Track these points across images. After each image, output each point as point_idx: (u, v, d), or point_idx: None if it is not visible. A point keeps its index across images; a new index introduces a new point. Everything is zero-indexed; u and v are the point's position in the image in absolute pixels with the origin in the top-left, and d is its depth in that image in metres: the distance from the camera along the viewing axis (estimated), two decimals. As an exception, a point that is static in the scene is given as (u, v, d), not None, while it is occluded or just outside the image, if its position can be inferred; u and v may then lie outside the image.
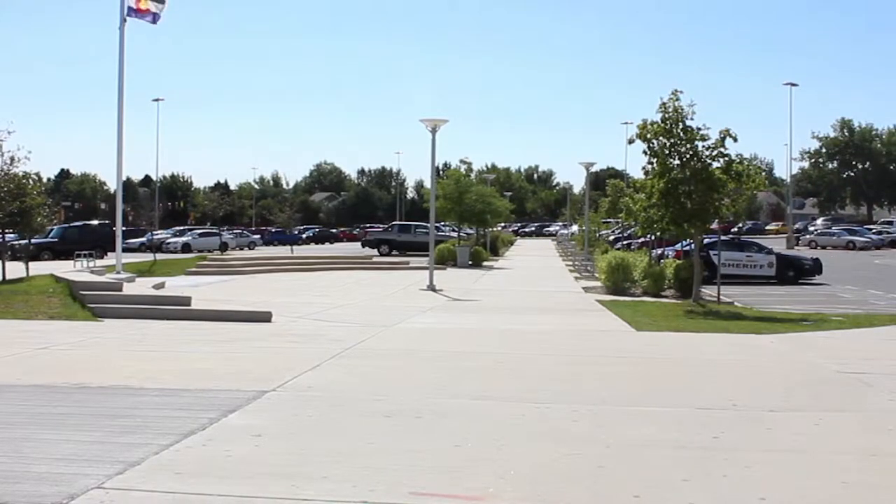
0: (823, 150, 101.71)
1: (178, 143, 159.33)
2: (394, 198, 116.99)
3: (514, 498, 4.71)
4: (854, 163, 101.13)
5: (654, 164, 17.87)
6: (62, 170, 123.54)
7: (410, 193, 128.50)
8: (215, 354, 10.14)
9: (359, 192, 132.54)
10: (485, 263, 36.20)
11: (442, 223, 45.80)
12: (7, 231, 20.56)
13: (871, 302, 20.03)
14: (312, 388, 7.89)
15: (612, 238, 50.21)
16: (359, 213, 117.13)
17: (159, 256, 36.02)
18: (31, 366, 9.10)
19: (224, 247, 50.25)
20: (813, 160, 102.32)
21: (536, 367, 9.51)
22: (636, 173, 28.88)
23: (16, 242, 29.53)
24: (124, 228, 26.50)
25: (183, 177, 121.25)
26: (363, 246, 50.89)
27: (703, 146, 17.68)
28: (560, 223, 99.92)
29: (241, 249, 53.35)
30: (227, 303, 16.52)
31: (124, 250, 23.39)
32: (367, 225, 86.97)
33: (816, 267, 27.74)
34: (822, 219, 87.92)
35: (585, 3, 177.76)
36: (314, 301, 17.98)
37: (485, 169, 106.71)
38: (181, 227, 68.26)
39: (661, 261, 24.41)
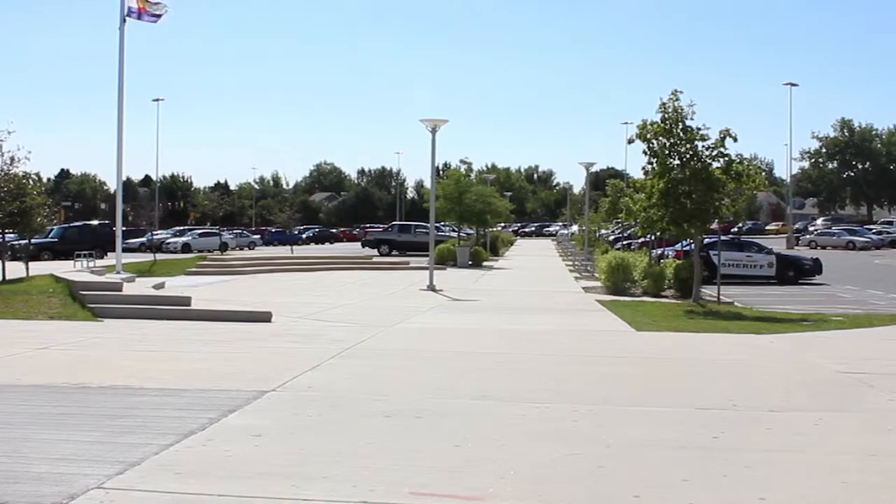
0: (823, 150, 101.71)
1: (178, 143, 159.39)
2: (394, 198, 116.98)
3: (514, 498, 4.71)
4: (854, 163, 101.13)
5: (654, 164, 17.86)
6: (62, 170, 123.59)
7: (410, 193, 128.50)
8: (215, 354, 10.14)
9: (359, 192, 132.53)
10: (485, 263, 36.20)
11: (442, 223, 45.80)
12: (7, 231, 20.55)
13: (871, 302, 20.03)
14: (312, 388, 7.89)
15: (611, 238, 50.22)
16: (359, 213, 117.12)
17: (159, 256, 36.02)
18: (31, 366, 9.10)
19: (224, 247, 50.25)
20: (813, 160, 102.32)
21: (536, 367, 9.51)
22: (636, 173, 28.88)
23: (16, 242, 29.52)
24: (124, 228, 26.47)
25: (183, 177, 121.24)
26: (363, 246, 50.90)
27: (703, 146, 17.68)
28: (560, 223, 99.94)
29: (241, 249, 53.35)
30: (227, 303, 16.52)
31: (124, 250, 23.40)
32: (367, 225, 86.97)
33: (816, 267, 27.74)
34: (822, 219, 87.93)
35: (586, 3, 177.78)
36: (314, 301, 17.99)
37: (485, 169, 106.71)
38: (181, 227, 68.25)
39: (661, 261, 24.41)
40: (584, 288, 22.98)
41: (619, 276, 21.41)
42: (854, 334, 12.95)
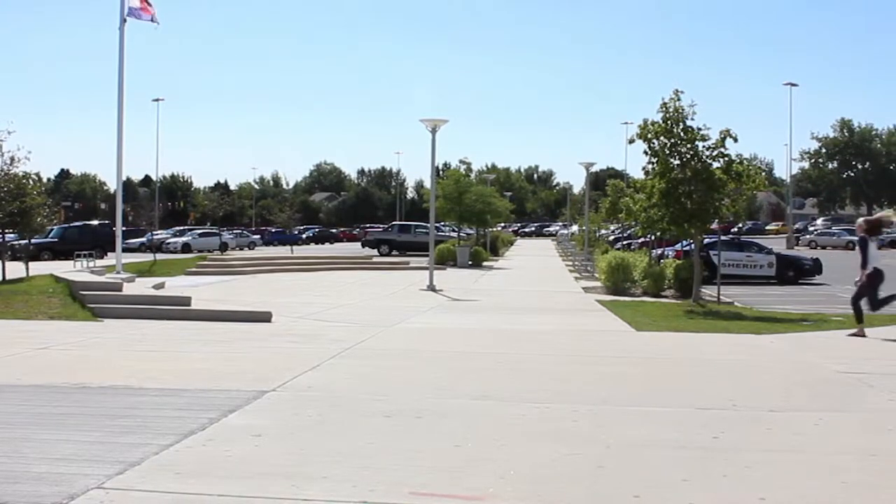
0: (823, 151, 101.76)
1: (178, 143, 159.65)
2: (394, 198, 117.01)
3: (514, 498, 4.71)
4: (854, 163, 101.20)
5: (655, 164, 17.87)
6: (62, 170, 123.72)
7: (410, 193, 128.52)
8: (215, 354, 10.14)
9: (359, 192, 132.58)
10: (485, 263, 36.21)
11: (442, 223, 45.80)
12: (7, 231, 20.55)
13: (871, 302, 19.99)
14: (312, 388, 7.89)
15: (611, 238, 50.23)
16: (359, 213, 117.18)
17: (159, 256, 36.03)
18: (31, 366, 9.10)
19: (224, 247, 50.29)
20: (813, 160, 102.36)
21: (536, 367, 9.51)
22: (636, 173, 28.90)
23: (16, 242, 29.53)
24: (124, 228, 26.48)
25: (183, 177, 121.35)
26: (363, 246, 50.93)
27: (704, 146, 17.68)
28: (560, 223, 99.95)
29: (241, 249, 53.39)
30: (227, 303, 16.53)
31: (124, 250, 23.40)
32: (367, 225, 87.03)
33: (816, 267, 27.74)
34: (822, 219, 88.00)
35: (586, 3, 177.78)
36: (314, 301, 17.99)
37: (485, 169, 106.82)
38: (181, 227, 68.30)
39: (661, 261, 24.41)
40: (584, 288, 22.99)
41: (619, 276, 21.42)
42: (854, 334, 12.91)
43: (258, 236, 69.33)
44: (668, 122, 17.61)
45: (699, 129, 17.67)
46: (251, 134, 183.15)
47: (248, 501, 4.60)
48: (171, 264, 29.63)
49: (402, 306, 17.15)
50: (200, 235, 55.48)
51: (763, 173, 20.25)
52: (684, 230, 18.37)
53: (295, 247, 52.49)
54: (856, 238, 13.45)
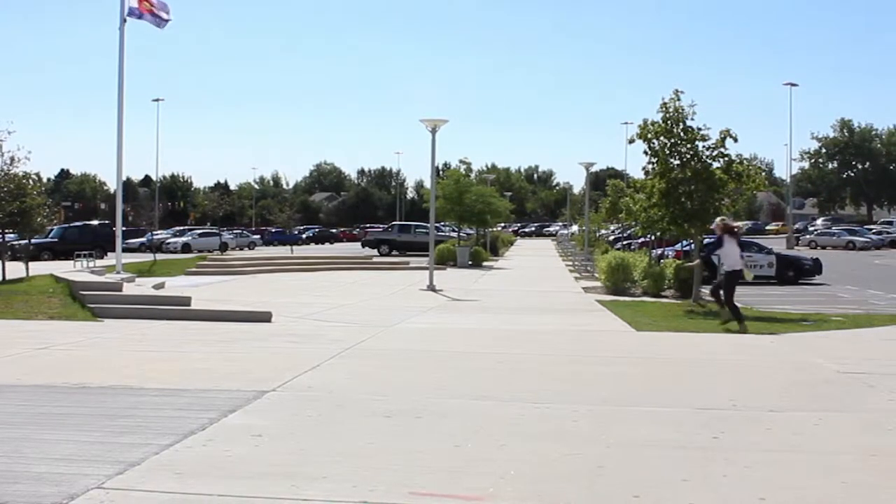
0: (823, 151, 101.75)
1: (178, 143, 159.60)
2: (394, 198, 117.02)
3: (514, 498, 4.71)
4: (854, 163, 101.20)
5: (655, 164, 17.86)
6: (62, 170, 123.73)
7: (410, 193, 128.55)
8: (215, 354, 10.14)
9: (359, 192, 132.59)
10: (485, 264, 36.21)
11: (442, 223, 45.81)
12: (7, 231, 20.55)
13: (871, 302, 20.03)
14: (312, 389, 7.89)
15: (611, 238, 50.24)
16: (359, 213, 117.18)
17: (159, 256, 36.04)
18: (31, 366, 9.10)
19: (224, 247, 50.29)
20: (813, 160, 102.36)
21: (536, 367, 9.51)
22: (636, 173, 28.89)
23: (16, 242, 29.53)
24: (124, 228, 26.49)
25: (183, 177, 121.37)
26: (363, 246, 50.90)
27: (704, 146, 17.68)
28: (560, 223, 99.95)
29: (241, 249, 53.37)
30: (227, 303, 16.52)
31: (124, 250, 23.40)
32: (367, 225, 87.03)
33: (816, 267, 27.73)
34: (822, 219, 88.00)
35: (586, 3, 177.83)
36: (314, 301, 17.98)
37: (485, 169, 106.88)
38: (181, 227, 68.32)
39: (661, 261, 24.41)
40: (584, 288, 22.98)
41: (619, 276, 21.41)
42: (854, 334, 12.94)
43: (258, 236, 69.31)
44: (668, 122, 17.61)
45: (699, 129, 17.68)
46: (251, 134, 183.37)
47: (248, 501, 4.60)
48: (171, 264, 29.63)
49: (402, 306, 17.15)
50: (200, 235, 55.48)
51: (763, 173, 20.25)
52: (684, 230, 18.37)
53: (295, 247, 52.50)
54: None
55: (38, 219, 19.90)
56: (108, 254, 29.34)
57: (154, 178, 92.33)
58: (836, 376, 8.93)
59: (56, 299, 15.18)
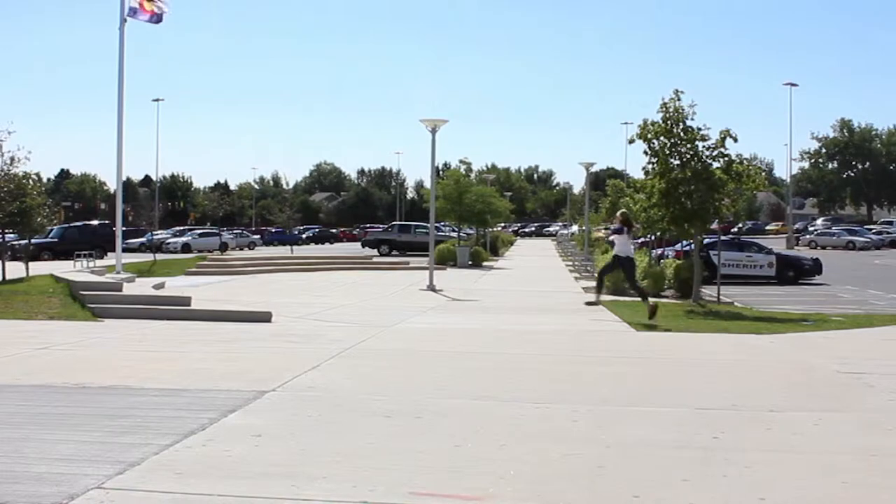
0: (823, 151, 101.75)
1: (178, 143, 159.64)
2: (394, 198, 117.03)
3: (514, 498, 4.71)
4: (854, 163, 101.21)
5: (655, 164, 17.86)
6: (62, 170, 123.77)
7: (410, 193, 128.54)
8: (215, 354, 10.13)
9: (359, 192, 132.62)
10: (485, 264, 36.21)
11: (442, 223, 45.80)
12: (7, 231, 20.55)
13: (871, 302, 20.03)
14: (312, 389, 7.89)
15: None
16: (359, 213, 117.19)
17: (159, 256, 36.04)
18: (31, 366, 9.09)
19: (224, 247, 50.29)
20: (813, 160, 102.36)
21: (536, 367, 9.51)
22: (636, 173, 28.89)
23: (16, 242, 29.54)
24: (124, 228, 26.50)
25: (183, 177, 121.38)
26: (363, 246, 50.91)
27: (704, 146, 17.67)
28: (560, 223, 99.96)
29: (241, 249, 53.39)
30: (227, 303, 16.52)
31: (124, 250, 23.40)
32: (367, 225, 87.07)
33: (816, 267, 27.74)
34: (822, 219, 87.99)
35: (586, 2, 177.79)
36: (314, 301, 17.98)
37: (485, 169, 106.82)
38: (181, 228, 68.37)
39: (661, 261, 24.41)
40: (584, 288, 22.97)
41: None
42: (854, 334, 12.94)
43: (258, 236, 69.34)
44: (668, 122, 17.60)
45: (699, 129, 17.67)
46: (251, 134, 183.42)
47: (248, 501, 4.60)
48: (171, 264, 29.63)
49: (402, 306, 17.15)
50: (200, 235, 55.50)
51: (763, 173, 20.24)
52: (684, 230, 18.36)
53: (295, 247, 52.51)
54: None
55: (38, 219, 19.90)
56: (108, 254, 29.34)
57: (154, 178, 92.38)
58: (836, 376, 8.93)
59: (56, 299, 15.17)
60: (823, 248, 55.41)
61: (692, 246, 20.24)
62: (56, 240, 37.11)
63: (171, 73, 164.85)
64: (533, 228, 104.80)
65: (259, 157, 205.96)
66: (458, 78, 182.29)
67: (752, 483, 5.00)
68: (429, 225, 27.31)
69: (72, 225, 43.64)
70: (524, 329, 13.30)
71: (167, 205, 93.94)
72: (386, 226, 61.12)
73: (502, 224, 67.30)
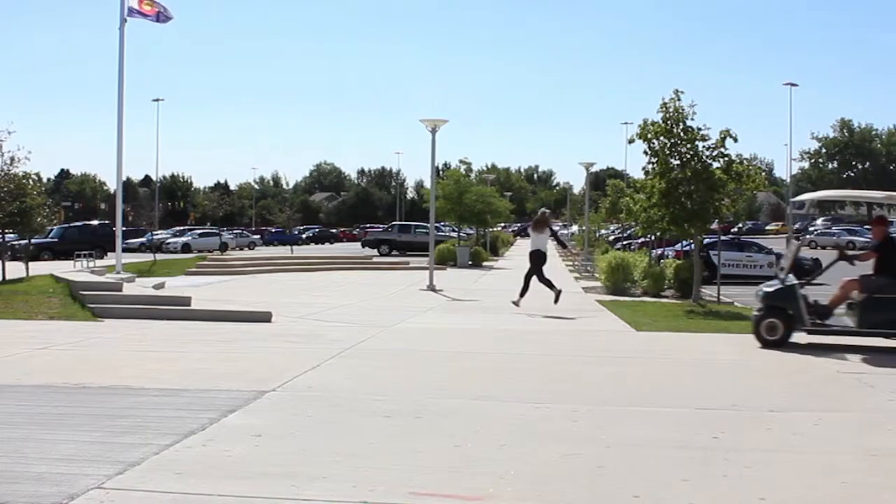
0: (823, 151, 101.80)
1: (178, 143, 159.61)
2: (394, 198, 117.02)
3: (514, 498, 4.71)
4: (854, 163, 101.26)
5: (655, 164, 17.85)
6: (62, 170, 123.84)
7: (410, 193, 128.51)
8: (215, 354, 10.13)
9: (359, 192, 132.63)
10: (485, 264, 36.21)
11: (442, 223, 45.80)
12: (7, 231, 20.55)
13: (871, 302, 19.99)
14: (312, 389, 7.89)
15: (612, 238, 50.23)
16: (359, 213, 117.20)
17: (159, 256, 36.03)
18: (31, 366, 9.10)
19: (224, 247, 50.27)
20: (813, 160, 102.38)
21: (536, 367, 9.51)
22: (636, 173, 28.88)
23: (16, 242, 29.53)
24: (124, 228, 26.50)
25: (183, 177, 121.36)
26: (363, 246, 50.90)
27: (704, 146, 17.66)
28: (560, 223, 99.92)
29: (241, 249, 53.37)
30: (227, 303, 16.52)
31: (124, 250, 23.39)
32: (367, 225, 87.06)
33: (816, 267, 27.71)
34: (822, 219, 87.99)
35: (585, 3, 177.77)
36: (314, 301, 17.98)
37: (485, 169, 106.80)
38: (181, 228, 68.38)
39: (661, 261, 24.40)
40: (584, 288, 22.98)
41: (619, 276, 21.40)
42: (854, 334, 12.91)
43: (258, 236, 69.32)
44: (668, 122, 17.59)
45: (699, 129, 17.65)
46: (251, 134, 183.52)
47: (248, 501, 4.60)
48: (171, 264, 29.62)
49: (402, 306, 17.15)
50: (200, 235, 55.49)
51: (763, 173, 20.23)
52: (684, 230, 18.36)
53: (295, 247, 52.53)
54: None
55: (38, 219, 19.88)
56: (108, 254, 29.32)
57: (154, 178, 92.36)
58: (836, 376, 8.94)
59: (56, 299, 15.17)
60: (823, 248, 55.39)
61: (692, 246, 20.24)
62: (56, 240, 37.11)
63: (171, 73, 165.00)
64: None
65: (259, 157, 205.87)
66: (458, 78, 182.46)
67: (752, 483, 5.00)
68: (429, 225, 27.31)
69: (72, 225, 43.63)
70: (524, 329, 13.31)
71: (167, 205, 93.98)
72: (386, 226, 61.09)
73: (502, 224, 67.29)
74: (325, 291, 21.03)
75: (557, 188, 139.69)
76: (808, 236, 61.80)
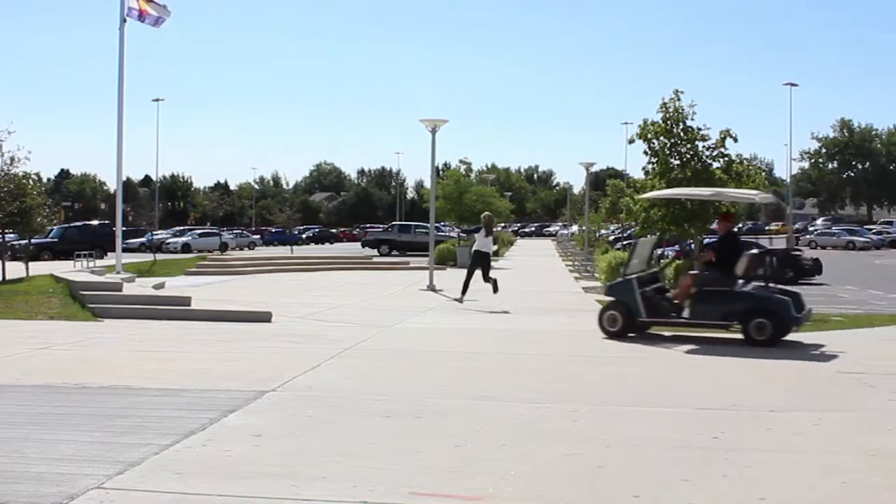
0: (823, 151, 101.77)
1: (178, 143, 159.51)
2: (394, 198, 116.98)
3: (514, 498, 4.71)
4: (854, 163, 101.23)
5: (655, 165, 17.85)
6: (62, 170, 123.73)
7: (410, 193, 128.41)
8: (215, 354, 10.14)
9: (359, 192, 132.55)
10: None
11: (442, 223, 45.80)
12: (7, 231, 20.55)
13: (871, 302, 20.02)
14: (312, 389, 7.89)
15: (612, 238, 50.24)
16: (359, 213, 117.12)
17: (159, 256, 36.03)
18: (31, 366, 9.10)
19: (224, 247, 50.24)
20: (813, 160, 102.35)
21: (536, 367, 9.51)
22: (636, 173, 28.86)
23: (16, 242, 29.53)
24: (124, 228, 26.48)
25: (183, 177, 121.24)
26: (363, 246, 50.87)
27: (704, 146, 17.66)
28: (560, 223, 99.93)
29: (241, 249, 53.34)
30: (227, 303, 16.51)
31: (124, 250, 23.38)
32: (367, 225, 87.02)
33: (816, 267, 27.73)
34: (822, 219, 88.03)
35: (585, 3, 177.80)
36: (314, 301, 17.98)
37: (485, 169, 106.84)
38: (181, 228, 68.35)
39: (661, 261, 24.39)
40: (584, 288, 22.98)
41: (619, 276, 21.37)
42: (854, 334, 12.94)
43: (258, 236, 69.29)
44: (668, 122, 17.59)
45: (699, 129, 17.66)
46: (251, 134, 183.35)
47: (248, 501, 4.60)
48: (171, 264, 29.62)
49: (402, 306, 17.15)
50: (200, 235, 55.47)
51: (763, 173, 20.23)
52: (684, 230, 18.35)
53: (295, 247, 52.51)
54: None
55: (38, 219, 19.88)
56: (108, 254, 29.30)
57: (154, 178, 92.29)
58: (836, 376, 8.94)
59: (56, 299, 15.17)
60: (823, 248, 55.42)
61: (692, 246, 20.23)
62: (56, 240, 37.09)
63: (171, 73, 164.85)
64: (533, 228, 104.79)
65: (259, 157, 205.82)
66: (458, 78, 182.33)
67: (752, 483, 5.00)
68: (429, 225, 27.29)
69: (72, 225, 43.62)
70: (524, 329, 13.31)
71: (167, 205, 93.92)
72: (386, 226, 61.06)
73: (502, 224, 67.30)
74: (325, 291, 21.03)
75: (557, 188, 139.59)
76: (807, 236, 61.83)
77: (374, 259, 36.68)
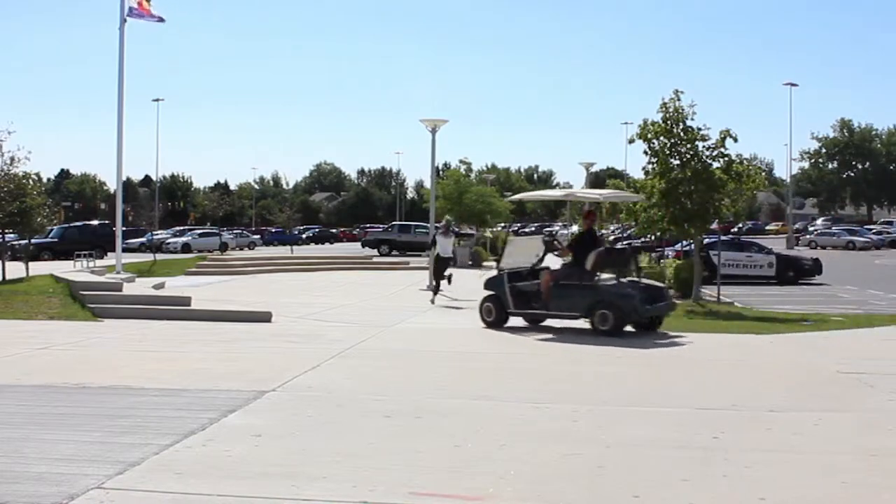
0: (823, 151, 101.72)
1: (178, 143, 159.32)
2: (394, 198, 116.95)
3: (514, 498, 4.71)
4: (854, 163, 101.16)
5: (655, 164, 17.85)
6: (62, 170, 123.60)
7: (410, 193, 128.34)
8: (215, 354, 10.14)
9: (359, 192, 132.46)
10: (485, 264, 36.16)
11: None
12: (7, 231, 20.55)
13: (871, 302, 20.02)
14: (312, 389, 7.89)
15: (612, 238, 50.20)
16: (359, 213, 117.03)
17: (159, 256, 36.02)
18: (31, 366, 9.10)
19: (224, 247, 50.20)
20: (813, 160, 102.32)
21: (536, 366, 9.51)
22: (636, 173, 28.89)
23: (16, 242, 29.52)
24: (124, 228, 26.47)
25: (183, 177, 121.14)
26: (363, 246, 50.84)
27: (704, 146, 17.66)
28: (560, 223, 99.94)
29: (241, 249, 53.31)
30: (227, 303, 16.52)
31: (124, 250, 23.39)
32: (367, 225, 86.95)
33: (816, 267, 27.73)
34: (822, 219, 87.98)
35: (585, 3, 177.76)
36: (314, 301, 17.98)
37: (485, 169, 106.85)
38: (181, 228, 68.29)
39: (661, 261, 24.40)
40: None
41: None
42: (854, 334, 12.94)
43: (258, 236, 69.24)
44: (668, 122, 17.59)
45: (699, 129, 17.65)
46: (251, 134, 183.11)
47: (248, 501, 4.60)
48: (171, 264, 29.63)
49: (402, 306, 17.16)
50: (200, 235, 55.43)
51: (763, 173, 20.22)
52: (684, 230, 18.35)
53: (295, 247, 52.48)
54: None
55: (38, 219, 19.89)
56: (108, 254, 29.29)
57: (154, 178, 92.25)
58: (836, 376, 8.93)
59: (56, 299, 15.17)
60: (823, 248, 55.37)
61: (692, 246, 20.23)
62: (56, 240, 37.07)
63: (171, 73, 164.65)
64: (533, 228, 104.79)
65: (259, 157, 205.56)
66: (458, 78, 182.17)
67: (752, 483, 5.00)
68: (429, 225, 27.30)
69: (72, 225, 43.59)
70: (524, 329, 13.30)
71: (167, 205, 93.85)
72: (386, 226, 61.00)
73: (502, 224, 67.33)
74: (325, 291, 21.03)
75: (557, 188, 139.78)
76: (807, 236, 61.83)
77: (374, 259, 36.69)
